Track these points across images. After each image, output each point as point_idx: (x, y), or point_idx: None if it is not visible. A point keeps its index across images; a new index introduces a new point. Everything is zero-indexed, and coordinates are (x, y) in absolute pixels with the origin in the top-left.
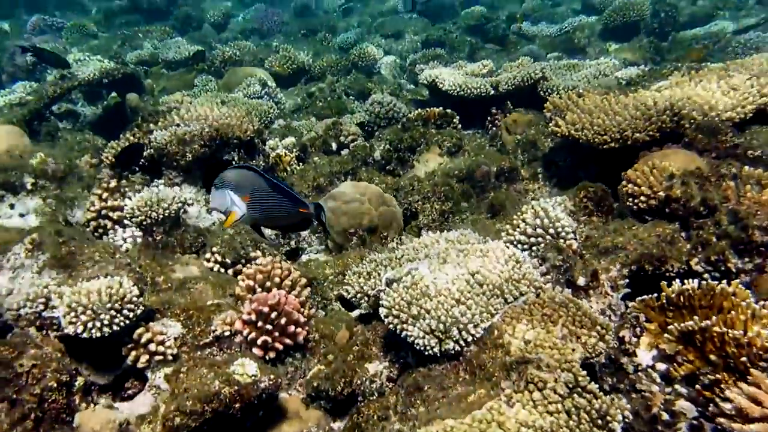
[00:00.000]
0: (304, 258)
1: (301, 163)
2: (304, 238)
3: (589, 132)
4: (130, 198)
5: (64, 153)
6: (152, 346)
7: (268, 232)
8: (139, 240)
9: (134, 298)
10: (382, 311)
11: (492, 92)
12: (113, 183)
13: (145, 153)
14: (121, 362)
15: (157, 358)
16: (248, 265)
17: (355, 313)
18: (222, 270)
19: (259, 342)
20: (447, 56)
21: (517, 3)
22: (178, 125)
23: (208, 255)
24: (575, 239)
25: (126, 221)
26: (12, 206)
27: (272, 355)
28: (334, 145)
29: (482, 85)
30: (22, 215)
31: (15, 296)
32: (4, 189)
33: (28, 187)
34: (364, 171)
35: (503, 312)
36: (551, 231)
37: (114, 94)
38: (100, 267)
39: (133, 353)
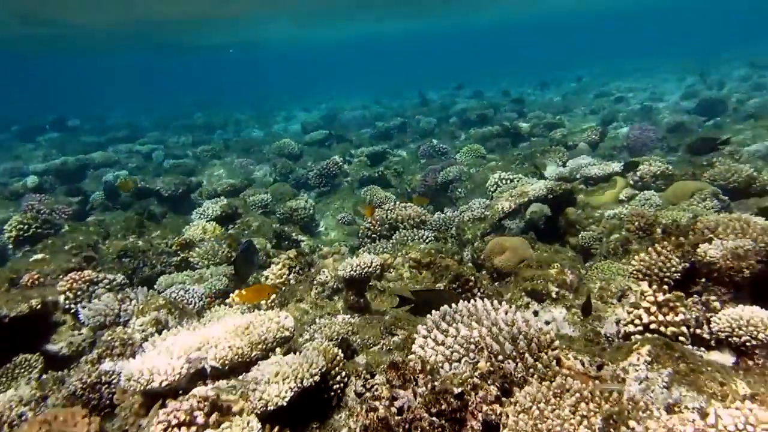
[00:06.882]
0: None
1: None
2: None
3: None
4: (680, 313)
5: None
6: None
7: None
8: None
9: None
10: None
11: None
12: (661, 297)
13: (679, 267)
14: None
15: None
16: None
17: None
18: None
19: None
20: None
21: None
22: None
23: None
24: None
25: (681, 337)
26: (536, 313)
27: None
28: None
29: None
30: (547, 322)
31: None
32: (530, 296)
33: (553, 295)
34: None
35: None
36: None
37: (533, 208)
38: None
39: None
